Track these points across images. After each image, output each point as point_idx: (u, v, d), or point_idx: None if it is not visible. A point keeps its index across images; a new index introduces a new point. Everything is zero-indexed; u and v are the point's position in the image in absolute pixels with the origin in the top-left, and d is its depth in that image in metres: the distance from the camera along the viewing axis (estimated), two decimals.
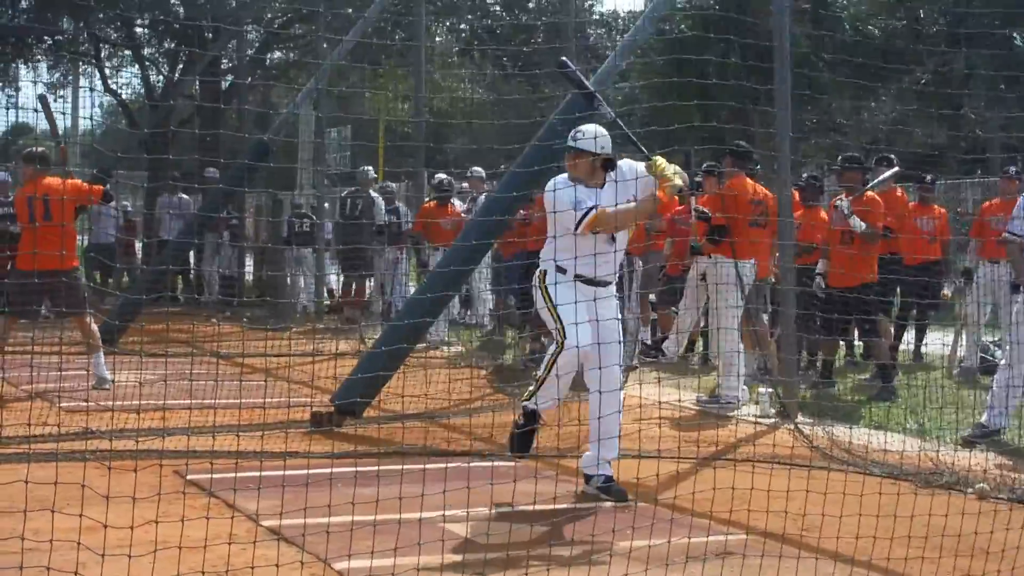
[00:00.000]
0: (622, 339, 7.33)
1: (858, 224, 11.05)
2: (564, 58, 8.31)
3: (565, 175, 7.18)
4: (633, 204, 7.08)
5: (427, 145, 16.87)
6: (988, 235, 12.50)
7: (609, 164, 7.19)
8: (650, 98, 21.23)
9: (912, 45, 23.66)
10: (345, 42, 16.87)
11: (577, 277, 7.09)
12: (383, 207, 17.87)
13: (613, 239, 7.16)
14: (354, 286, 18.58)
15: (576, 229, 6.98)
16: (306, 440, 8.66)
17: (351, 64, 21.17)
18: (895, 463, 8.16)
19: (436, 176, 16.54)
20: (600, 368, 6.97)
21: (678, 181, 6.93)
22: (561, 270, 7.11)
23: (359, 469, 6.23)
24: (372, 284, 18.26)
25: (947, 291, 14.25)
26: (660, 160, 6.99)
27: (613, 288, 7.28)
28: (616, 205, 7.02)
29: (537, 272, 7.28)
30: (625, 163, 7.27)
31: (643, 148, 7.19)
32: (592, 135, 7.15)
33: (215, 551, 5.18)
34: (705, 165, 12.46)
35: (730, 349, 10.63)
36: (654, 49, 24.49)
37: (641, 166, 7.13)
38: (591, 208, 6.95)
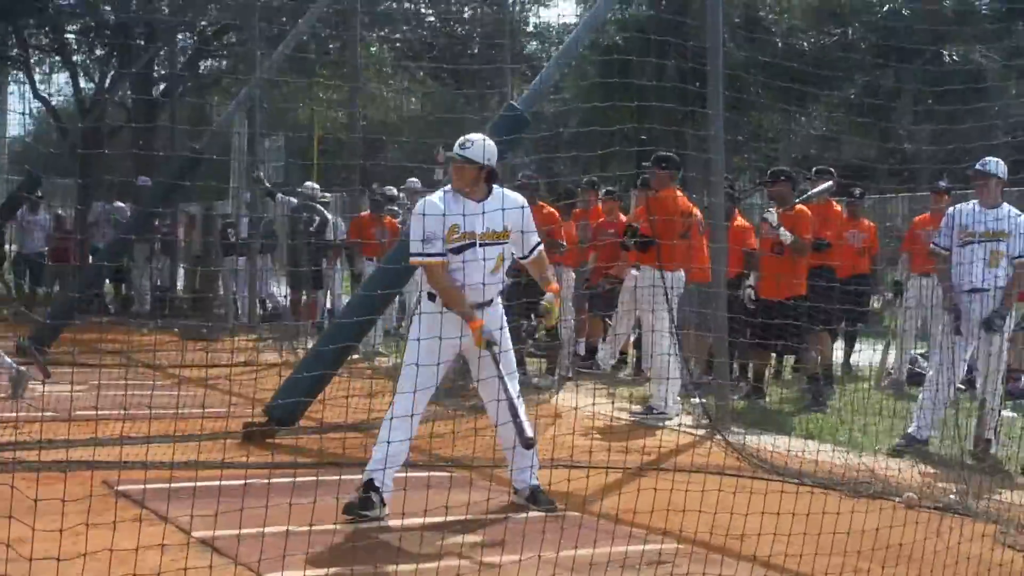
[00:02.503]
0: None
1: (786, 235, 11.13)
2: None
3: (439, 195, 6.88)
4: (458, 297, 6.75)
5: (360, 161, 16.76)
6: (919, 248, 12.62)
7: (493, 176, 6.92)
8: (584, 104, 21.30)
9: (842, 59, 23.94)
10: (279, 51, 16.77)
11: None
12: (342, 227, 17.55)
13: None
14: (305, 299, 18.17)
15: (411, 258, 6.87)
16: (239, 450, 8.57)
17: (287, 72, 21.05)
18: (825, 473, 8.26)
19: (383, 188, 16.42)
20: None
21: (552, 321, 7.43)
22: (431, 297, 6.95)
23: (294, 480, 6.20)
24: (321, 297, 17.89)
25: (876, 303, 14.39)
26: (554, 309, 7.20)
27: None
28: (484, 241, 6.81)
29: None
30: (508, 193, 7.09)
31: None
32: (481, 145, 6.83)
33: (145, 561, 5.12)
34: (641, 178, 12.46)
35: (662, 359, 10.65)
36: (589, 62, 24.59)
37: (521, 198, 7.09)
38: (437, 254, 6.72)
